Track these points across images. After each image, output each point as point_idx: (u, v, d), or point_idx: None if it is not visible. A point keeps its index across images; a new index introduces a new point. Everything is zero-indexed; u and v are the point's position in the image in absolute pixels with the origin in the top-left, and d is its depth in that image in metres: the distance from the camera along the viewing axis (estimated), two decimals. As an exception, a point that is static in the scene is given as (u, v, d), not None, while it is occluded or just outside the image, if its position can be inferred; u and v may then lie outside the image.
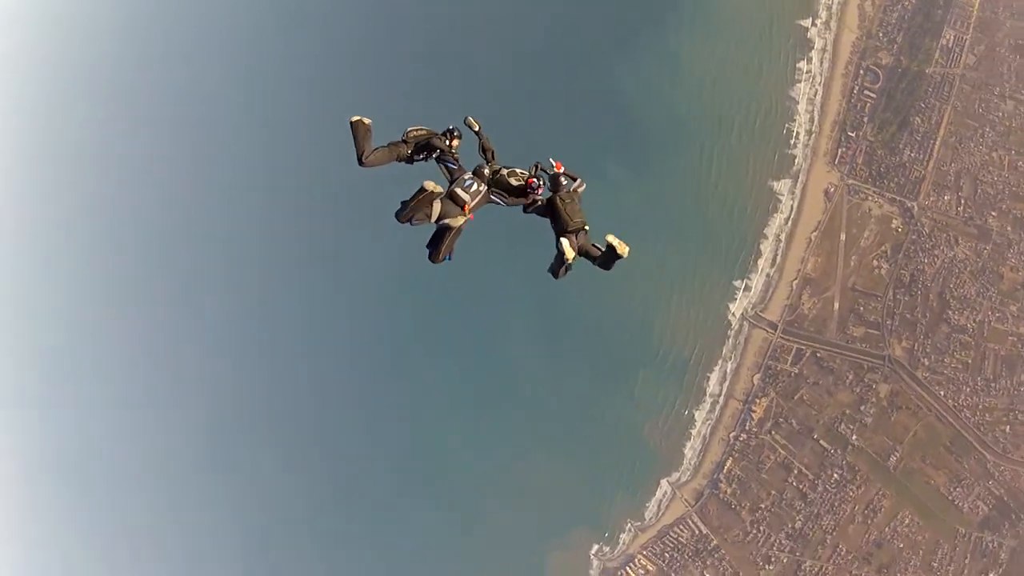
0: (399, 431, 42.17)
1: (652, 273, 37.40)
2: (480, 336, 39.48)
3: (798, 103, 38.92)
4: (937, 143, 40.40)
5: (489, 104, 38.14)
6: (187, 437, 45.48)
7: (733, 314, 37.77)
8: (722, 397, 37.62)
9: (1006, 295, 41.37)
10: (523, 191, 9.24)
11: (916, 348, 39.93)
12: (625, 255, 8.80)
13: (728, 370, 37.62)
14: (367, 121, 8.98)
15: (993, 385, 40.95)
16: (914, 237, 39.77)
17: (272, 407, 44.14)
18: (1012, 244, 41.76)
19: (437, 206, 8.60)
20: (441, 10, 41.54)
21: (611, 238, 8.85)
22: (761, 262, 37.81)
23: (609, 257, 8.98)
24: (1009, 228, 41.88)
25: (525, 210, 9.33)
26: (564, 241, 8.77)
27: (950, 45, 41.82)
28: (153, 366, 47.48)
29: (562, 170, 9.32)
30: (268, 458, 43.46)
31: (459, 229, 8.83)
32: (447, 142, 9.32)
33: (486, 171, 9.08)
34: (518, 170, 9.34)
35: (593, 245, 9.11)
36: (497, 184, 9.20)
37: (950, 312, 40.39)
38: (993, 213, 41.61)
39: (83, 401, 48.74)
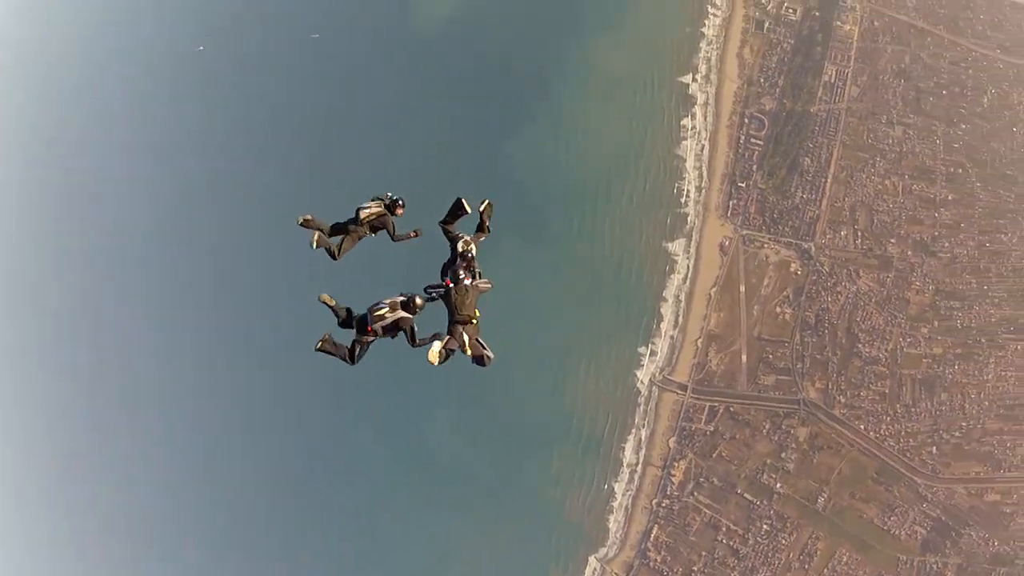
0: (323, 508, 41.39)
1: (558, 346, 37.16)
2: (395, 428, 38.92)
3: (685, 160, 38.99)
4: (828, 180, 40.75)
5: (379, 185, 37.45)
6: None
7: (641, 381, 37.74)
8: (640, 465, 37.55)
9: (915, 319, 41.94)
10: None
11: (830, 387, 40.24)
12: (433, 362, 8.98)
13: (642, 437, 37.57)
14: (310, 217, 9.72)
15: (913, 410, 41.51)
16: (814, 277, 40.05)
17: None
18: (915, 268, 42.35)
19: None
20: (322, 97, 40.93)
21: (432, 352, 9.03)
22: (664, 325, 37.80)
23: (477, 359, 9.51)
24: (910, 252, 42.46)
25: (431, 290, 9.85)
26: (436, 344, 9.05)
27: (833, 80, 42.22)
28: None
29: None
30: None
31: (366, 343, 9.56)
32: (394, 211, 9.91)
33: (419, 301, 9.36)
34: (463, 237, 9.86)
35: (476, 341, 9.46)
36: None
37: (860, 345, 40.77)
38: (892, 240, 42.14)
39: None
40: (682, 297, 38.07)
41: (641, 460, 37.69)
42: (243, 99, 43.94)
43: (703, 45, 40.61)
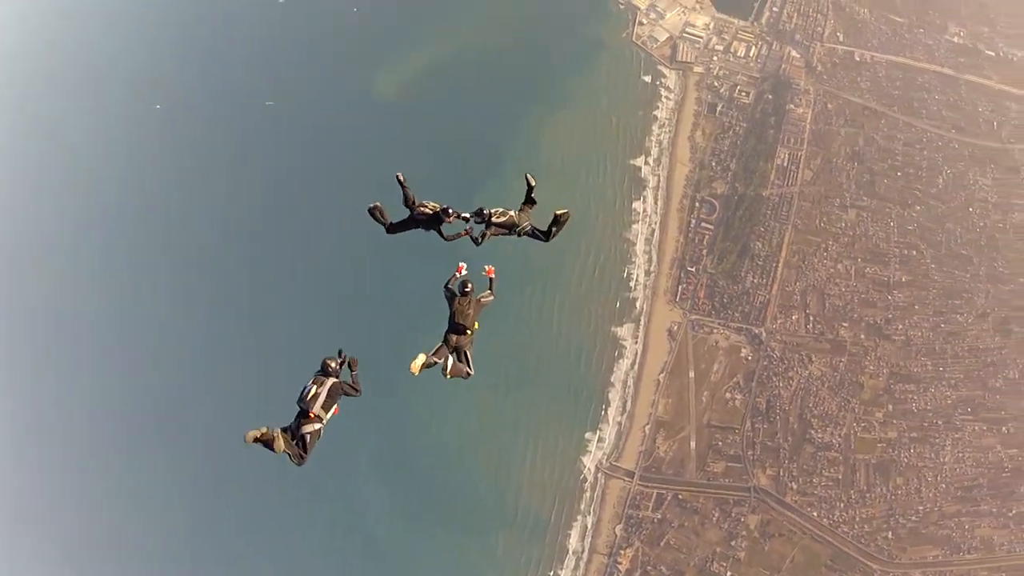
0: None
1: (502, 433, 36.48)
2: (338, 512, 37.79)
3: (635, 244, 39.00)
4: (780, 265, 40.79)
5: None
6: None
7: (588, 467, 37.03)
8: (585, 552, 36.61)
9: (869, 403, 41.61)
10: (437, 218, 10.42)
11: (782, 473, 39.64)
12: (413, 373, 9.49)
13: (588, 524, 36.72)
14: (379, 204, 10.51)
15: (868, 495, 40.86)
16: (766, 363, 39.77)
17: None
18: (868, 351, 42.18)
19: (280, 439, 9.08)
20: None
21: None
22: (611, 410, 37.29)
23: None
24: (863, 336, 42.34)
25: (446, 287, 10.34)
26: (420, 357, 9.43)
27: (785, 164, 42.63)
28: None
29: (492, 275, 10.38)
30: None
31: (316, 433, 9.30)
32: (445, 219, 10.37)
33: (332, 364, 9.47)
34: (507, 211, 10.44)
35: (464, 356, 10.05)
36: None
37: (813, 431, 40.33)
38: (844, 324, 42.05)
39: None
40: (630, 382, 37.64)
41: (587, 547, 36.74)
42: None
43: (655, 128, 41.04)
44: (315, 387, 9.19)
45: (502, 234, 10.66)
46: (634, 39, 43.18)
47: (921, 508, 40.85)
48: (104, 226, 44.80)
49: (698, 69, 43.20)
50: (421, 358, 9.42)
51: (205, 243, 42.40)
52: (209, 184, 42.43)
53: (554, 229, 10.78)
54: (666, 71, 42.51)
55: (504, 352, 36.49)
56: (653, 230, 39.11)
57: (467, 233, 10.58)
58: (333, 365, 9.46)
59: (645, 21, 43.97)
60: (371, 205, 10.90)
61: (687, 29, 44.32)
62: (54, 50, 49.42)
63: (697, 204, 40.28)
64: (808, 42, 46.90)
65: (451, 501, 37.41)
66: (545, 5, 43.05)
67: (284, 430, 9.22)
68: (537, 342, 37.22)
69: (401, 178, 11.04)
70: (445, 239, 10.64)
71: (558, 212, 10.68)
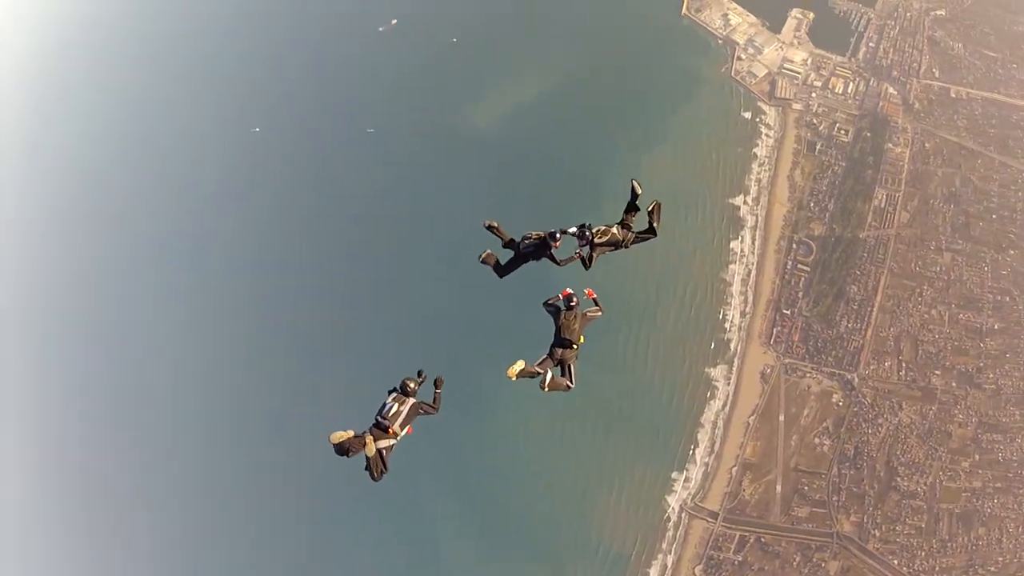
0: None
1: (589, 465, 36.82)
2: (411, 526, 38.55)
3: (731, 285, 38.81)
4: (875, 309, 40.27)
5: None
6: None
7: (672, 506, 37.16)
8: (666, 592, 36.80)
9: (956, 452, 41.01)
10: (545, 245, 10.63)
11: (865, 520, 39.36)
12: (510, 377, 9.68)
13: (669, 563, 36.95)
14: (496, 224, 10.90)
15: (949, 545, 40.42)
16: (856, 409, 39.41)
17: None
18: (958, 400, 41.51)
19: (370, 442, 9.50)
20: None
21: None
22: (699, 451, 37.33)
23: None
24: (954, 384, 41.67)
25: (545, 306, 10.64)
26: (519, 364, 9.68)
27: (883, 205, 41.94)
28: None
29: (593, 297, 10.62)
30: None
31: (391, 447, 9.68)
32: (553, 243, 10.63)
33: (412, 385, 9.78)
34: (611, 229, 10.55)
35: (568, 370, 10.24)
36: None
37: (899, 479, 39.94)
38: (936, 372, 41.41)
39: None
40: (720, 424, 37.62)
41: (667, 586, 36.98)
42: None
43: (755, 165, 40.67)
44: (396, 405, 9.50)
45: (608, 251, 10.70)
46: (733, 74, 42.74)
47: (1001, 559, 40.23)
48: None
49: (797, 106, 42.62)
50: (520, 364, 9.63)
51: (311, 258, 43.30)
52: (308, 202, 43.38)
53: (655, 224, 10.73)
54: (765, 107, 42.03)
55: (597, 389, 36.74)
56: (750, 271, 38.87)
57: (579, 255, 10.63)
58: (412, 386, 9.77)
59: (744, 56, 43.46)
60: (482, 255, 11.01)
61: (785, 64, 43.69)
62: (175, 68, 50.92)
63: (794, 245, 39.89)
64: (905, 78, 45.93)
65: (529, 528, 37.92)
66: (645, 41, 42.83)
67: (362, 435, 9.46)
68: (630, 380, 37.39)
69: (494, 224, 11.19)
70: (559, 264, 10.67)
71: (649, 208, 10.65)
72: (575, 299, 10.40)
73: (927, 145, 44.82)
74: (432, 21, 47.25)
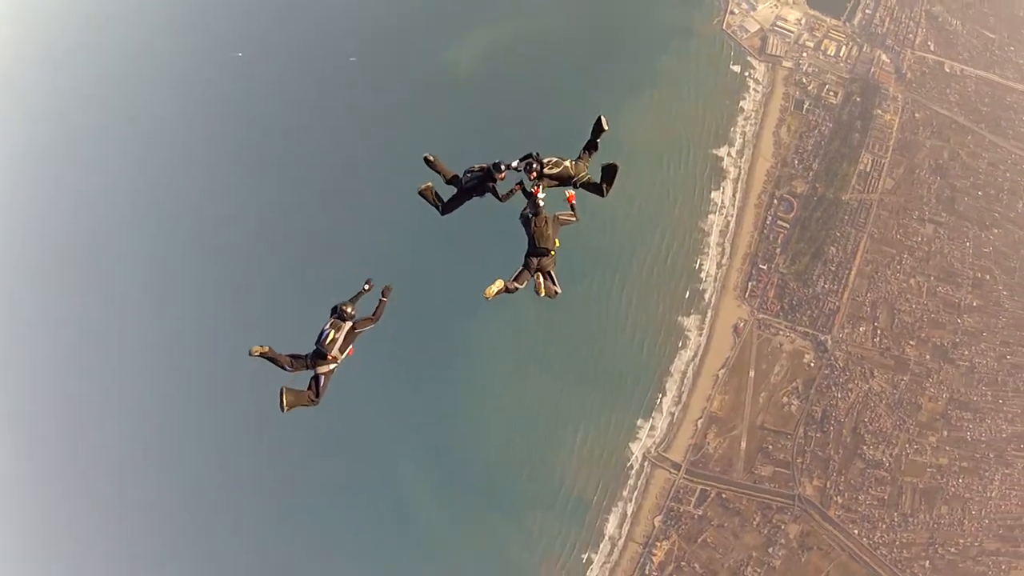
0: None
1: (555, 411, 35.89)
2: (369, 469, 37.54)
3: (709, 235, 38.00)
4: (853, 273, 39.59)
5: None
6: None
7: (635, 454, 36.30)
8: (621, 540, 36.01)
9: (924, 426, 40.48)
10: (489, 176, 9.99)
11: (828, 486, 38.74)
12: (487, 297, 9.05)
13: (628, 511, 36.10)
14: (432, 157, 10.20)
15: (911, 520, 39.91)
16: (827, 372, 38.72)
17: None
18: (931, 373, 40.95)
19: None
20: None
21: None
22: (666, 401, 36.48)
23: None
24: (928, 357, 41.10)
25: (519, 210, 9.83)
26: (498, 282, 9.10)
27: (868, 170, 41.26)
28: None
29: (572, 202, 9.97)
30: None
31: (330, 372, 9.48)
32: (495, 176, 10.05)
33: (348, 310, 9.48)
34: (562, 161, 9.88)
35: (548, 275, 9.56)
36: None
37: (865, 447, 39.34)
38: (911, 342, 40.81)
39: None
40: (689, 374, 36.78)
41: (624, 535, 36.13)
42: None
43: (740, 119, 39.82)
44: (333, 331, 9.31)
45: (554, 186, 9.96)
46: (724, 27, 41.88)
47: (962, 541, 39.79)
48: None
49: (787, 64, 41.84)
50: (498, 283, 9.01)
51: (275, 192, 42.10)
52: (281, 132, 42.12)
53: (605, 185, 9.95)
54: (755, 63, 41.21)
55: (567, 333, 35.83)
56: (729, 222, 38.03)
57: (520, 188, 10.05)
58: (349, 310, 9.57)
59: (736, 11, 42.64)
60: (421, 186, 10.36)
61: (778, 22, 42.89)
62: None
63: (775, 201, 39.11)
64: (899, 48, 45.23)
65: (490, 477, 36.94)
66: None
67: (293, 357, 9.37)
68: (601, 326, 36.41)
69: (431, 158, 10.47)
70: (500, 199, 10.13)
71: (605, 164, 9.84)
72: (541, 201, 9.70)
73: (917, 115, 44.18)
74: None
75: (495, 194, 10.11)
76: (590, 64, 40.42)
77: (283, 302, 38.32)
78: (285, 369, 9.27)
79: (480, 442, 36.01)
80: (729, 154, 38.93)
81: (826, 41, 43.19)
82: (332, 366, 9.37)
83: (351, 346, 9.48)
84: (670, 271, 37.11)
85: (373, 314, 9.76)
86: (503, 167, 10.00)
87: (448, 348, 36.69)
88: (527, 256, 9.45)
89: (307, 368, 9.33)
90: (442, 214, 10.37)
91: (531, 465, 36.20)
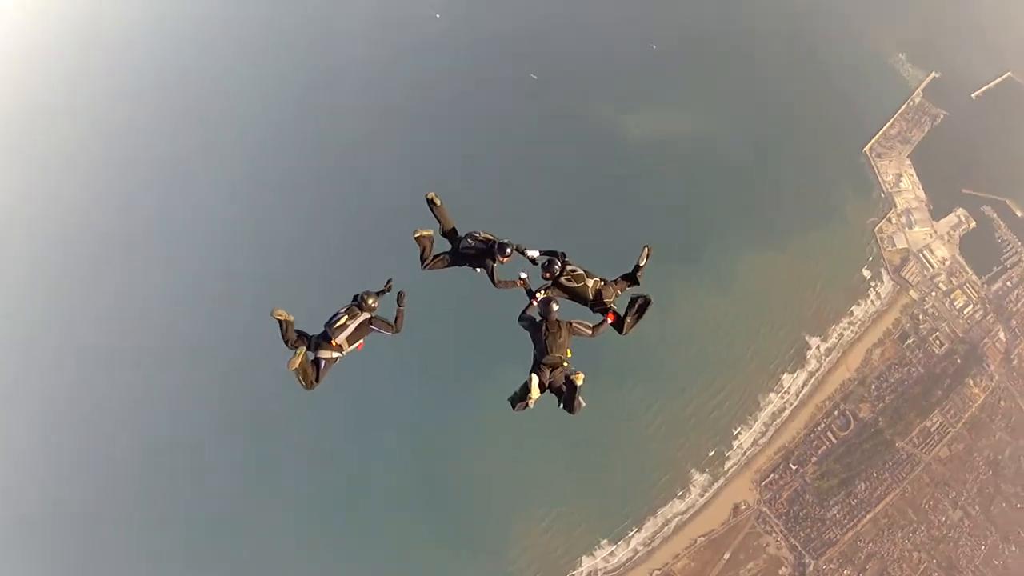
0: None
1: (535, 487, 35.15)
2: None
3: (761, 411, 37.19)
4: (868, 517, 38.47)
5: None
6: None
7: (583, 568, 35.36)
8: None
9: None
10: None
11: None
12: (579, 383, 8.32)
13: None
14: (439, 202, 9.39)
15: None
16: (795, 594, 37.46)
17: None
18: (889, 644, 39.51)
19: (301, 353, 8.86)
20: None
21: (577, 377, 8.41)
22: (637, 537, 35.59)
23: (570, 395, 8.38)
24: (894, 630, 39.69)
25: (520, 319, 8.98)
26: (534, 377, 8.26)
27: (933, 429, 40.18)
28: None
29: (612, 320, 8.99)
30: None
31: (331, 361, 8.96)
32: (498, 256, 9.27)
33: (370, 301, 9.01)
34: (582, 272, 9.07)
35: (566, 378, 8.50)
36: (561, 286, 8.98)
37: None
38: (884, 609, 39.44)
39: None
40: (671, 525, 35.89)
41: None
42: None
43: (845, 322, 39.09)
44: (346, 317, 8.83)
45: (564, 297, 8.87)
46: (876, 231, 41.18)
47: None
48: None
49: (913, 294, 40.99)
50: (535, 379, 8.17)
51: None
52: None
53: (628, 319, 8.72)
54: (886, 278, 40.43)
55: (582, 425, 35.00)
56: (785, 409, 37.21)
57: (522, 284, 9.01)
58: (370, 302, 9.02)
59: (894, 221, 41.92)
60: (418, 232, 9.33)
61: (925, 252, 42.10)
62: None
63: (836, 413, 38.22)
64: (1020, 334, 44.14)
65: (452, 516, 35.93)
66: (816, 150, 41.34)
67: (299, 334, 8.85)
68: (617, 436, 35.65)
69: (436, 200, 9.35)
70: (495, 284, 9.04)
71: (638, 296, 8.77)
72: (555, 304, 8.58)
73: (1002, 403, 42.95)
74: (640, 19, 46.18)
75: (490, 276, 9.10)
76: (734, 196, 40.03)
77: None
78: (286, 344, 8.72)
79: (457, 485, 35.30)
80: (819, 347, 38.14)
81: (958, 291, 42.28)
82: (335, 355, 8.81)
83: (361, 340, 8.96)
84: (708, 424, 36.35)
85: (395, 321, 9.18)
86: (509, 250, 9.02)
87: (459, 396, 35.71)
88: (536, 365, 8.39)
89: (308, 349, 8.77)
90: (422, 268, 9.39)
91: (492, 524, 35.36)
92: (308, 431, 36.87)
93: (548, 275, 8.84)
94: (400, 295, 9.23)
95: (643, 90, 42.80)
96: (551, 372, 8.31)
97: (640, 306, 8.73)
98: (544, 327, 8.42)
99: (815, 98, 42.93)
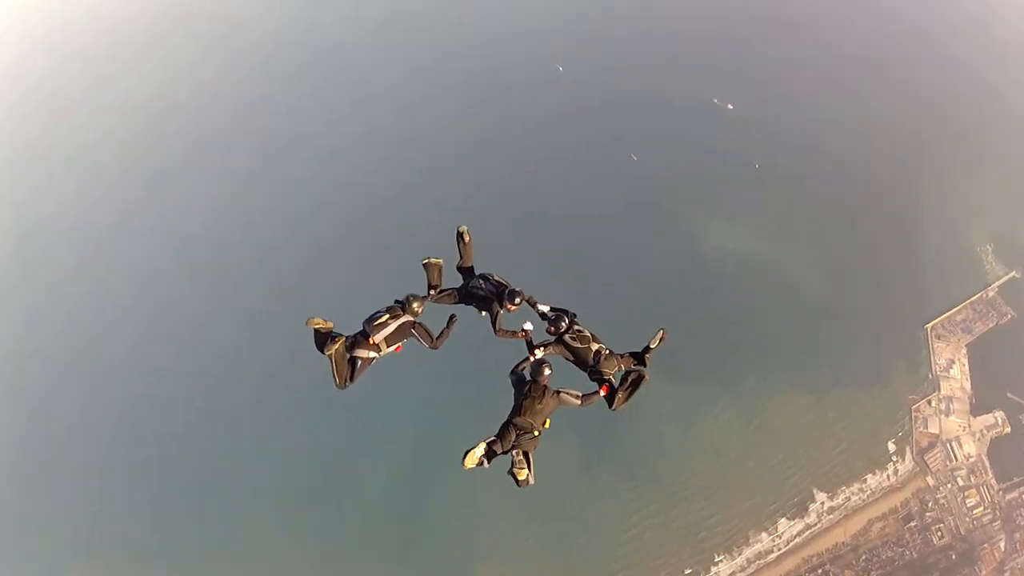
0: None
1: (497, 548, 35.73)
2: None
3: (747, 548, 37.54)
4: None
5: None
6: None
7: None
8: None
9: None
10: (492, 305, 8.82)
11: None
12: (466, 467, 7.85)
13: None
14: (441, 262, 9.20)
15: None
16: None
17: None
18: None
19: (339, 343, 8.49)
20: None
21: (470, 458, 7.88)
22: None
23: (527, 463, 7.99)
24: None
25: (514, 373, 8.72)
26: (480, 447, 7.89)
27: (907, 619, 39.96)
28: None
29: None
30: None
31: (368, 360, 8.58)
32: (505, 303, 9.00)
33: (415, 305, 8.62)
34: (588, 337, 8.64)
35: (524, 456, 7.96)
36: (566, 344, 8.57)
37: None
38: None
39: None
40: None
41: None
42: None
43: (856, 487, 39.32)
44: (388, 315, 8.51)
45: (565, 357, 8.51)
46: (912, 409, 41.41)
47: None
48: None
49: (930, 480, 41.11)
50: (481, 449, 7.73)
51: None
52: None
53: (620, 393, 8.15)
54: (908, 457, 40.65)
55: (562, 505, 35.69)
56: (772, 553, 37.56)
57: (524, 336, 8.72)
58: (415, 306, 8.65)
59: (933, 404, 42.08)
60: (429, 259, 9.13)
61: (953, 443, 42.16)
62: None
63: (819, 571, 38.43)
64: (1021, 549, 43.80)
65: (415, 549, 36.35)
66: (875, 316, 41.87)
67: (346, 339, 8.46)
68: (597, 525, 36.11)
69: (466, 234, 9.15)
70: (495, 332, 8.74)
71: (633, 370, 8.26)
72: (548, 368, 8.15)
73: (981, 610, 42.69)
74: (754, 138, 47.37)
75: (492, 321, 8.79)
76: (790, 330, 40.61)
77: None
78: (320, 351, 8.31)
79: (416, 528, 36.17)
80: (823, 504, 38.48)
81: (973, 490, 42.21)
82: (372, 354, 8.47)
83: (400, 343, 8.62)
84: (693, 542, 36.81)
85: (437, 336, 8.75)
86: (518, 300, 8.65)
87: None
88: (505, 424, 7.95)
89: (345, 349, 8.40)
90: (427, 297, 9.08)
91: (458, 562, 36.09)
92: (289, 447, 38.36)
93: (553, 329, 8.57)
94: (452, 317, 8.98)
95: (734, 201, 43.81)
96: (517, 436, 7.78)
97: (633, 381, 8.18)
98: (529, 388, 8.05)
99: (895, 260, 43.45)
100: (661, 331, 8.61)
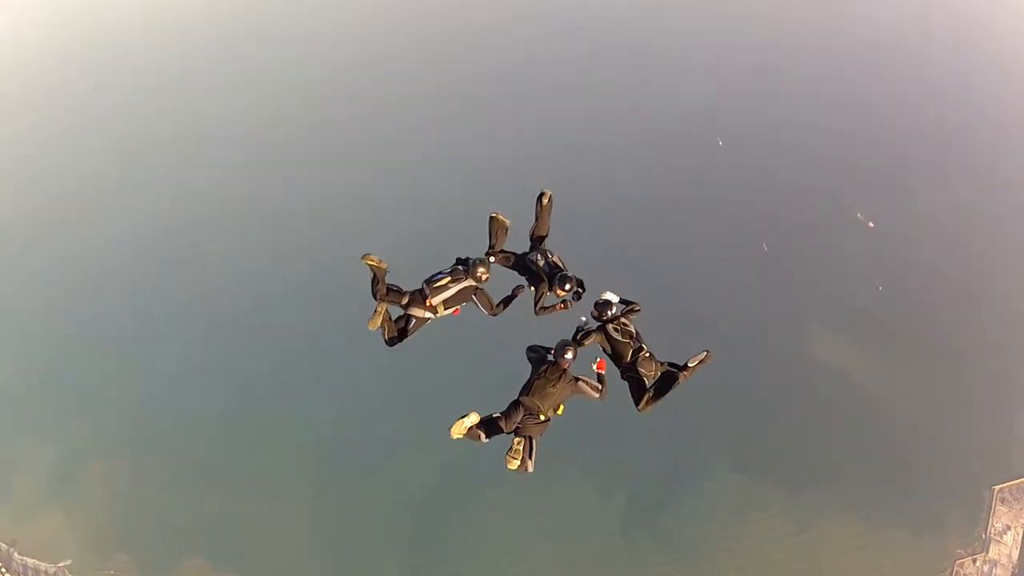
0: None
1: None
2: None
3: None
4: None
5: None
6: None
7: None
8: None
9: None
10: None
11: None
12: (453, 436, 7.39)
13: None
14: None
15: None
16: None
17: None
18: None
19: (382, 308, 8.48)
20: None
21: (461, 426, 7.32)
22: None
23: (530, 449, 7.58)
24: None
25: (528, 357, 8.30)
26: (472, 416, 7.43)
27: None
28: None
29: (602, 371, 8.13)
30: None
31: (422, 320, 8.52)
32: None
33: (480, 271, 8.44)
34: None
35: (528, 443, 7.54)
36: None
37: None
38: None
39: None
40: None
41: None
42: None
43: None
44: (450, 278, 8.36)
45: (603, 345, 8.23)
46: (956, 563, 40.35)
47: None
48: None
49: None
50: (473, 418, 7.16)
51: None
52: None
53: (651, 394, 7.89)
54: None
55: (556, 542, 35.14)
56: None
57: (564, 307, 8.72)
58: (480, 272, 8.47)
59: (977, 563, 40.53)
60: (497, 216, 9.14)
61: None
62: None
63: None
64: None
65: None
66: (955, 452, 40.67)
67: (390, 288, 8.34)
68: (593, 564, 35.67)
69: (545, 198, 9.15)
70: (536, 311, 8.73)
71: (668, 372, 7.94)
72: (571, 352, 7.65)
73: None
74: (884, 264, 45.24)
75: (536, 300, 8.78)
76: (864, 454, 39.49)
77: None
78: (374, 296, 8.18)
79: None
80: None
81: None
82: (428, 315, 8.29)
83: (458, 307, 8.49)
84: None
85: (499, 303, 8.70)
86: (568, 285, 8.54)
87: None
88: (514, 402, 7.46)
89: (400, 306, 8.34)
90: (486, 253, 9.08)
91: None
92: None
93: (597, 314, 8.32)
94: (519, 288, 8.90)
95: (849, 320, 42.75)
96: (522, 417, 7.22)
97: (666, 381, 7.83)
98: (546, 369, 7.55)
99: (982, 415, 42.12)
100: (705, 352, 8.20)
